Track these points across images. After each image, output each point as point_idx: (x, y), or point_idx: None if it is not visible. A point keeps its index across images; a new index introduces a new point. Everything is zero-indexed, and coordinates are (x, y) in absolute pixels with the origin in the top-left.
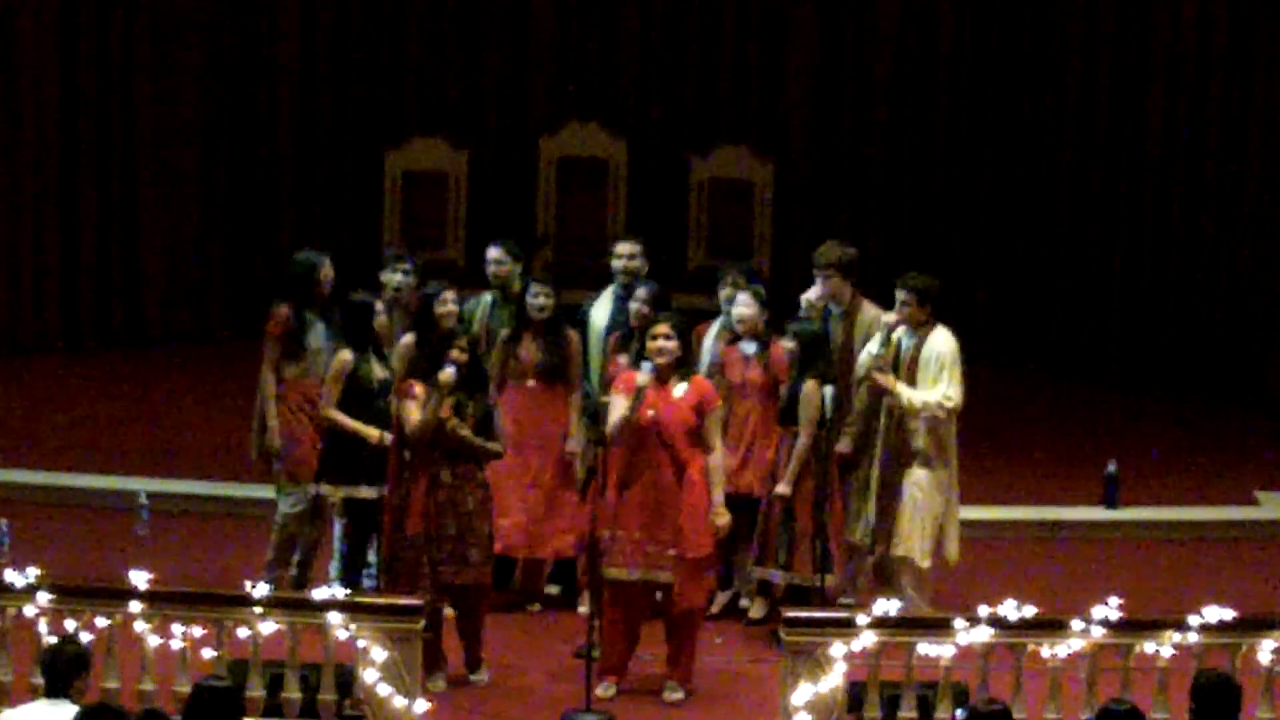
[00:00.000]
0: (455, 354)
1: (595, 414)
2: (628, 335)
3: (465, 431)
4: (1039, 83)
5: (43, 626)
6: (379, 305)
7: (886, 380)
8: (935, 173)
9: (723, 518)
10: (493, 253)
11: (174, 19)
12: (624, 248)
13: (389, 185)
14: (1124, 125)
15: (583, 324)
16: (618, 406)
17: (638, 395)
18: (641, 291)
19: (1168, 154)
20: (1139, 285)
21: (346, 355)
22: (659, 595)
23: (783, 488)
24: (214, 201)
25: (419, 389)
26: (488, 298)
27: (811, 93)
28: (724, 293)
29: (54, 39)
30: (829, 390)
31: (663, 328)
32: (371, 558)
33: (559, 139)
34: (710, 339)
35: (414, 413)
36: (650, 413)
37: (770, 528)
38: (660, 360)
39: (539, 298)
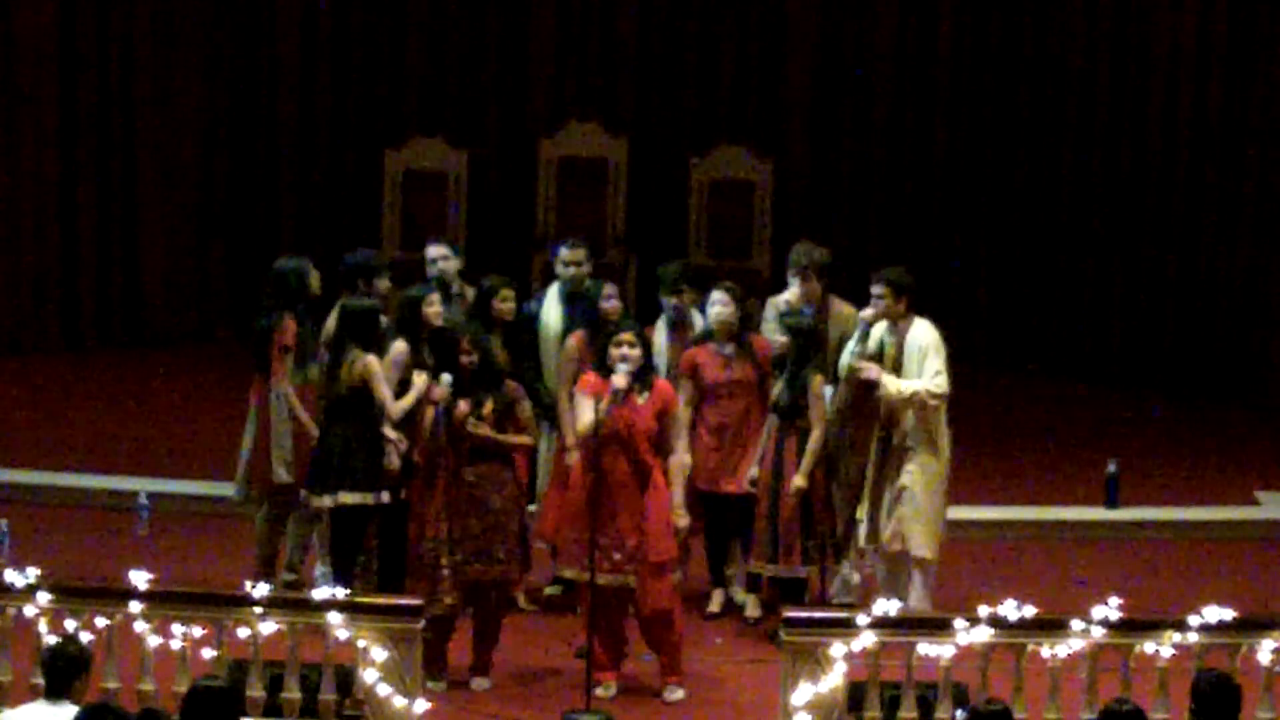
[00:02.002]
0: (463, 357)
1: (551, 413)
2: (596, 334)
3: (485, 430)
4: (1039, 83)
5: (43, 626)
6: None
7: (871, 371)
8: (935, 173)
9: (683, 519)
10: (436, 250)
11: (174, 19)
12: (570, 254)
13: (389, 185)
14: (1124, 125)
15: (530, 324)
16: (585, 409)
17: (616, 396)
18: (610, 288)
19: (1168, 154)
20: (1139, 285)
21: (374, 359)
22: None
23: (800, 481)
24: (214, 201)
25: (440, 392)
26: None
27: (811, 93)
28: (669, 300)
29: (54, 39)
30: (828, 389)
31: (627, 335)
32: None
33: (559, 139)
34: (663, 340)
35: (431, 419)
36: (617, 418)
37: (785, 524)
38: (625, 368)
39: (506, 301)
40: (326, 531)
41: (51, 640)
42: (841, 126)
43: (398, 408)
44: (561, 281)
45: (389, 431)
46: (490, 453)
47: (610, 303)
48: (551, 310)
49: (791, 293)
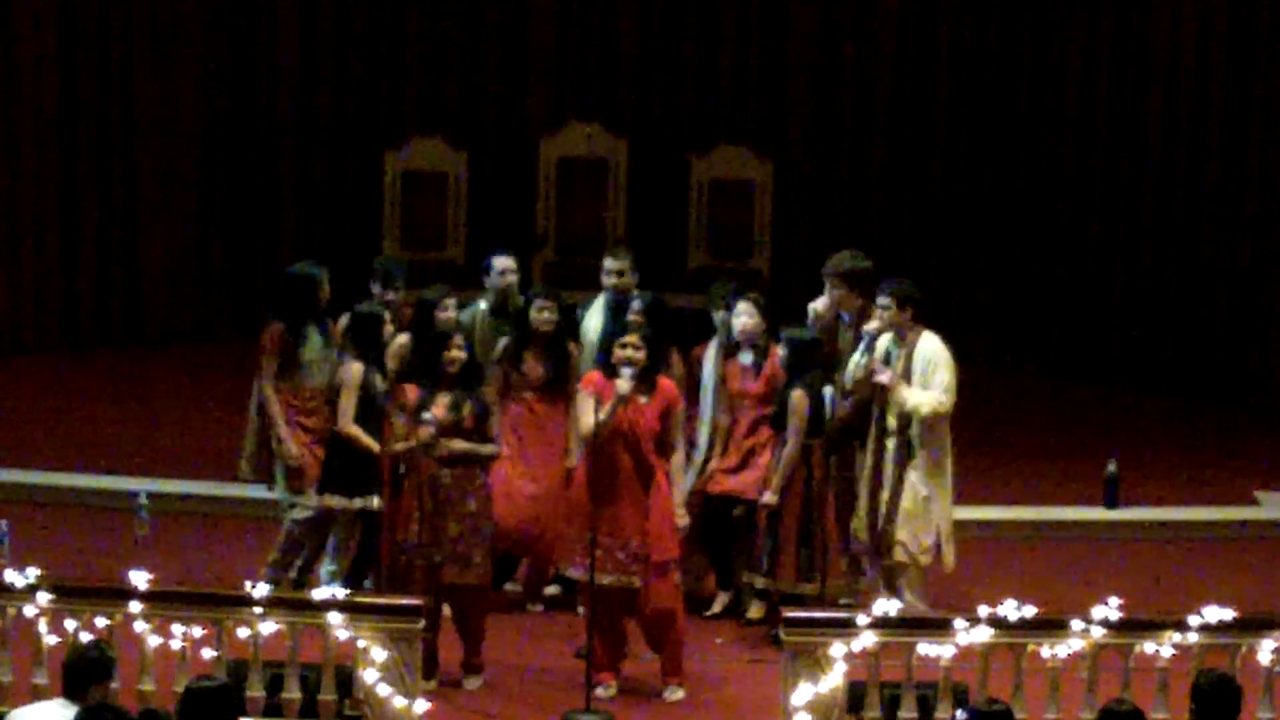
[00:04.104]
0: (453, 352)
1: None
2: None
3: (459, 445)
4: (1039, 83)
5: (43, 626)
6: (386, 315)
7: (885, 376)
8: (935, 173)
9: (683, 519)
10: (504, 261)
11: (174, 19)
12: (613, 264)
13: (389, 185)
14: (1124, 126)
15: (575, 331)
16: (586, 411)
17: (620, 401)
18: (637, 303)
19: (1168, 154)
20: (1139, 286)
21: (359, 367)
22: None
23: (769, 496)
24: (214, 202)
25: (412, 395)
26: (482, 305)
27: (811, 93)
28: (719, 315)
29: (54, 39)
30: (829, 392)
31: (632, 338)
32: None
33: (559, 139)
34: (710, 361)
35: (400, 427)
36: (620, 418)
37: (758, 534)
38: (629, 371)
39: (544, 312)
40: (339, 532)
41: (52, 640)
42: (841, 126)
43: (349, 427)
44: (605, 291)
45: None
46: (467, 457)
47: (634, 317)
48: (593, 318)
49: (821, 301)
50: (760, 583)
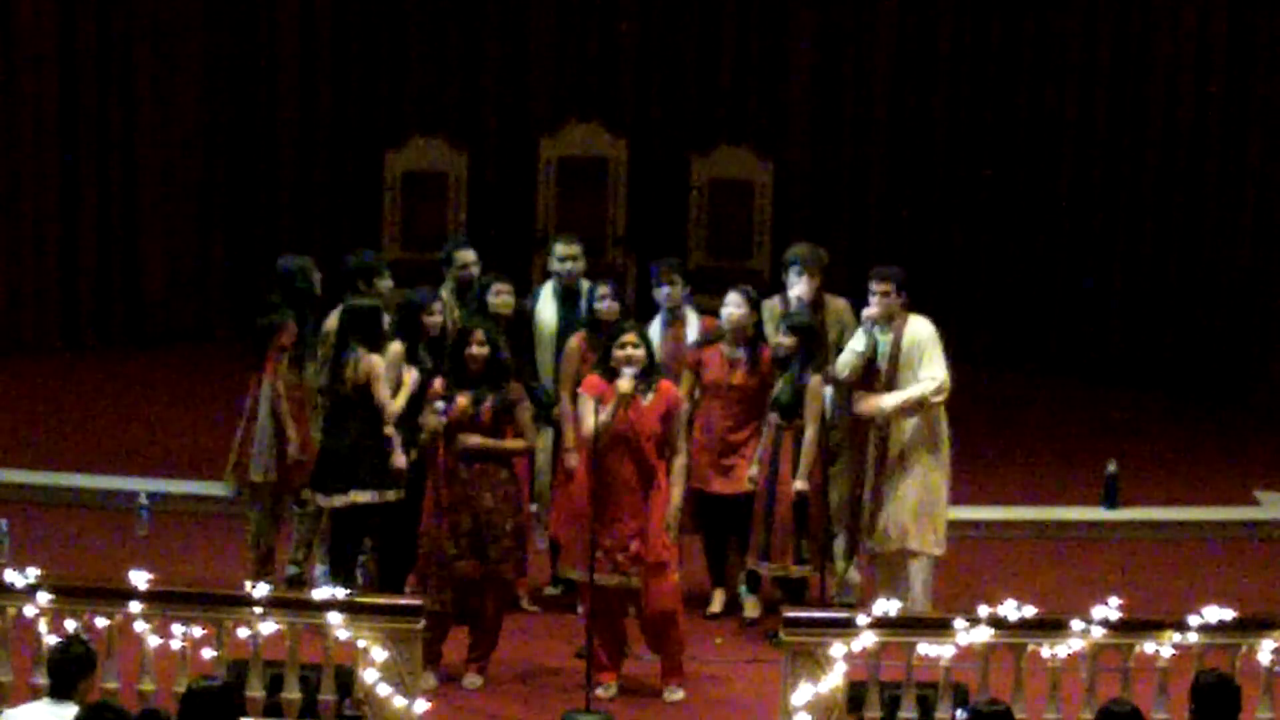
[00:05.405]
0: (473, 349)
1: (549, 412)
2: (596, 334)
3: (476, 439)
4: (1039, 83)
5: (43, 626)
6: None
7: (869, 406)
8: (935, 173)
9: (675, 517)
10: (467, 255)
11: (174, 19)
12: (563, 249)
13: (389, 185)
14: (1124, 126)
15: (525, 321)
16: (588, 412)
17: (622, 401)
18: (606, 289)
19: (1168, 155)
20: (1139, 286)
21: (378, 358)
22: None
23: (800, 484)
24: (214, 201)
25: (438, 385)
26: (444, 294)
27: (811, 93)
28: (664, 290)
29: (54, 39)
30: (827, 388)
31: (631, 336)
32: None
33: (559, 139)
34: (655, 335)
35: (431, 419)
36: (621, 420)
37: (779, 523)
38: (630, 370)
39: (501, 295)
40: (327, 531)
41: (52, 640)
42: (841, 126)
43: (395, 408)
44: (556, 278)
45: (390, 431)
46: (486, 452)
47: (605, 304)
48: (546, 308)
49: (803, 289)
50: (798, 572)
